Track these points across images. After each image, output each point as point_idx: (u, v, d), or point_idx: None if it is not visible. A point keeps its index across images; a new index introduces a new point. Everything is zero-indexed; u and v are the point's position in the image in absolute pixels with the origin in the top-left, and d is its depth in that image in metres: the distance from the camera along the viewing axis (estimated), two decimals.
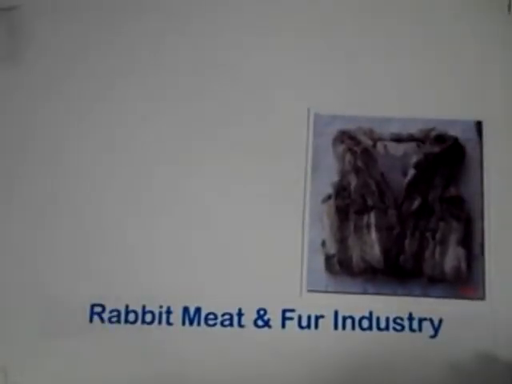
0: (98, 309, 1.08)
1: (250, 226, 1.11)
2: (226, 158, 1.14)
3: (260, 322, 1.08)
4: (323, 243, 1.09)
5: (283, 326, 1.08)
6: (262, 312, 1.08)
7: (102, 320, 1.08)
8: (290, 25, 1.19)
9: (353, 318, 1.08)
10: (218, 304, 1.08)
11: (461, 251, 1.09)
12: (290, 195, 1.11)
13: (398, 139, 1.12)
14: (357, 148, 1.12)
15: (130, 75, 1.18)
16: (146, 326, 1.08)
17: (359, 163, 1.11)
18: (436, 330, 1.07)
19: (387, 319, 1.08)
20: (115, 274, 1.10)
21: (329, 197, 1.11)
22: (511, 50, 1.15)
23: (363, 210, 1.10)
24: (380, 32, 1.18)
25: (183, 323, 1.08)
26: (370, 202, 1.10)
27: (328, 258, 1.09)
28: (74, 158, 1.15)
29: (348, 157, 1.12)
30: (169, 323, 1.08)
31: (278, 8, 1.19)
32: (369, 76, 1.16)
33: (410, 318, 1.08)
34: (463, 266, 1.08)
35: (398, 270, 1.09)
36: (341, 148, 1.12)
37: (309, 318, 1.08)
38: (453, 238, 1.09)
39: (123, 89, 1.17)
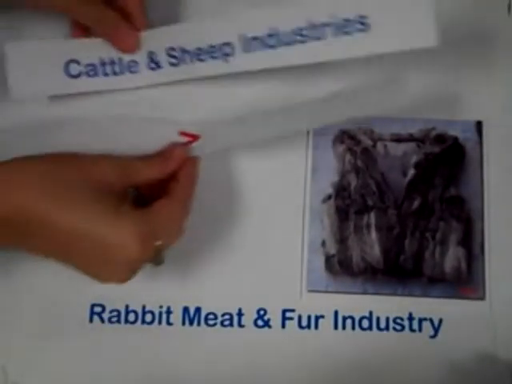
0: (97, 309, 1.08)
1: (250, 226, 1.11)
2: (226, 157, 1.14)
3: (260, 322, 1.08)
4: (323, 243, 1.09)
5: (283, 326, 1.08)
6: (262, 312, 1.08)
7: (101, 320, 1.08)
8: None
9: (353, 318, 1.08)
10: (218, 304, 1.08)
11: (461, 251, 1.09)
12: (290, 195, 1.11)
13: (398, 139, 1.12)
14: (357, 148, 1.12)
15: None
16: (146, 325, 1.08)
17: (359, 163, 1.11)
18: (436, 329, 1.07)
19: (387, 319, 1.08)
20: None
21: (329, 197, 1.11)
22: (511, 50, 1.15)
23: (363, 210, 1.10)
24: None
25: (183, 323, 1.08)
26: (370, 202, 1.10)
27: (328, 258, 1.09)
28: None
29: (348, 157, 1.12)
30: (169, 323, 1.08)
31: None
32: None
33: (410, 318, 1.08)
34: (463, 266, 1.08)
35: (398, 269, 1.09)
36: (341, 148, 1.12)
37: (309, 318, 1.08)
38: (453, 238, 1.09)
39: None
